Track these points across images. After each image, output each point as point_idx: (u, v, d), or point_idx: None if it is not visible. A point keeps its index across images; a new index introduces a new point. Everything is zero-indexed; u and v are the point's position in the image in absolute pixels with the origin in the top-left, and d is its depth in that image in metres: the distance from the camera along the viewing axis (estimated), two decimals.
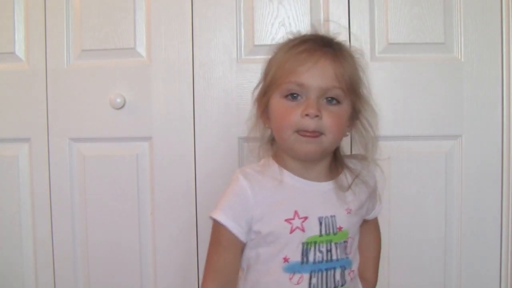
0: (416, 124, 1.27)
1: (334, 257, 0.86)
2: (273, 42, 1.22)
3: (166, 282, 1.33)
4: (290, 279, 0.85)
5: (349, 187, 0.89)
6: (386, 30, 1.27)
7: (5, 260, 1.37)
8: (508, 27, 1.23)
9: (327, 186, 0.89)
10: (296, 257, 0.85)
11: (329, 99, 0.84)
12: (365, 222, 1.01)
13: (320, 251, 0.86)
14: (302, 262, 0.85)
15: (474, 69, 1.25)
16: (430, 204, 1.28)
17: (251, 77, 1.23)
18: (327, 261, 0.86)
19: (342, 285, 0.87)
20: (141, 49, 1.31)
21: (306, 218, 0.85)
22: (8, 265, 1.37)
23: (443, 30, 1.26)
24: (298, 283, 0.85)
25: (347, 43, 0.92)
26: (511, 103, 1.24)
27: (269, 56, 0.91)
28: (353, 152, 0.99)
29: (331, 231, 0.86)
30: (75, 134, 1.33)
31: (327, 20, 1.25)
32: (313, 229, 0.85)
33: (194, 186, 1.30)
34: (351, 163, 0.93)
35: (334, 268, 0.87)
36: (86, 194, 1.33)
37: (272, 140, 0.92)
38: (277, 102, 0.86)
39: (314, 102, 0.82)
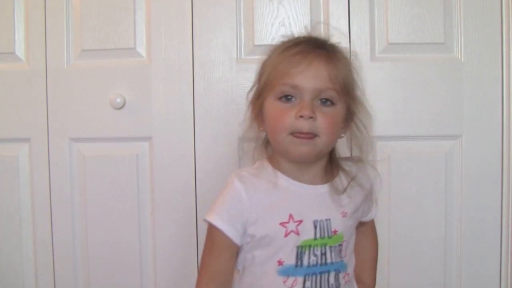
0: (416, 124, 1.27)
1: (328, 261, 0.86)
2: (273, 42, 1.22)
3: (166, 282, 1.33)
4: (284, 282, 0.85)
5: (345, 190, 0.89)
6: (386, 30, 1.27)
7: (5, 260, 1.37)
8: (508, 27, 1.23)
9: (322, 189, 0.89)
10: (290, 260, 0.85)
11: (323, 100, 0.84)
12: (361, 224, 1.01)
13: (315, 255, 0.85)
14: (296, 266, 0.85)
15: (474, 69, 1.25)
16: (430, 204, 1.28)
17: (251, 77, 1.21)
18: (321, 264, 0.86)
19: None
20: (141, 49, 1.31)
21: (301, 221, 0.85)
22: (8, 265, 1.37)
23: (443, 30, 1.26)
24: (292, 286, 0.85)
25: (341, 45, 0.92)
26: (511, 103, 1.24)
27: (263, 59, 0.91)
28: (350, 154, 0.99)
29: (326, 234, 0.86)
30: (75, 134, 1.33)
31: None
32: (308, 233, 0.85)
33: (194, 186, 1.30)
34: (346, 165, 0.93)
35: (328, 272, 0.87)
36: (86, 194, 1.33)
37: (266, 143, 0.92)
38: (271, 104, 0.86)
39: (308, 104, 0.82)
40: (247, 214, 0.85)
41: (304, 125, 0.82)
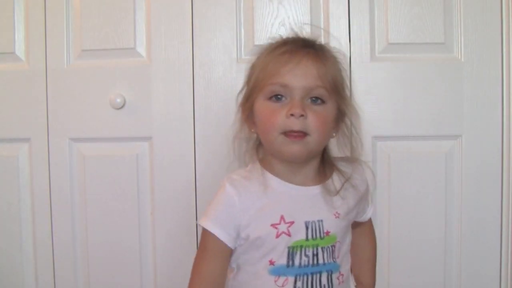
0: (416, 124, 1.27)
1: (320, 261, 0.86)
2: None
3: (166, 282, 1.33)
4: (275, 281, 0.85)
5: (338, 192, 0.88)
6: (386, 30, 1.27)
7: (5, 260, 1.37)
8: (508, 27, 1.24)
9: (315, 190, 0.88)
10: (281, 260, 0.85)
11: (314, 99, 0.84)
12: (358, 224, 1.01)
13: (306, 255, 0.85)
14: (288, 266, 0.85)
15: (474, 69, 1.25)
16: (430, 204, 1.28)
17: None
18: (313, 265, 0.86)
19: None
20: (141, 49, 1.31)
21: (292, 222, 0.85)
22: (8, 265, 1.37)
23: (443, 30, 1.26)
24: (283, 286, 0.85)
25: (329, 45, 0.93)
26: (511, 103, 1.24)
27: (252, 61, 0.91)
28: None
29: (318, 235, 0.86)
30: (75, 134, 1.33)
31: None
32: (299, 234, 0.85)
33: (194, 186, 1.30)
34: (341, 165, 0.93)
35: (320, 272, 0.86)
36: (86, 194, 1.33)
37: (258, 145, 0.92)
38: (261, 105, 0.85)
39: (299, 102, 0.82)
40: (240, 217, 0.85)
41: (295, 124, 0.81)
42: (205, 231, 0.87)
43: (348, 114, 0.89)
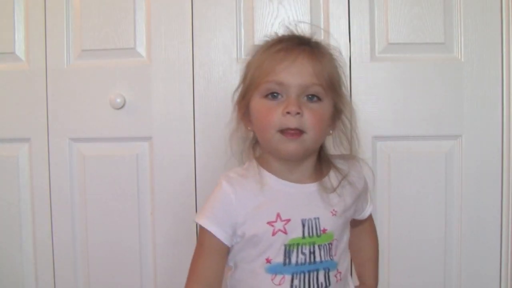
0: (416, 124, 1.27)
1: (317, 259, 0.86)
2: None
3: (166, 282, 1.33)
4: (272, 279, 0.85)
5: (335, 189, 0.88)
6: (386, 30, 1.27)
7: (5, 260, 1.37)
8: (508, 27, 1.24)
9: (311, 187, 0.88)
10: (278, 258, 0.85)
11: (310, 96, 0.83)
12: (359, 223, 1.01)
13: (303, 253, 0.85)
14: (285, 264, 0.85)
15: (474, 69, 1.25)
16: (430, 204, 1.28)
17: None
18: (310, 263, 0.85)
19: (326, 287, 0.87)
20: (141, 49, 1.31)
21: (288, 220, 0.85)
22: (8, 265, 1.37)
23: (443, 30, 1.26)
24: (279, 284, 0.85)
25: (326, 42, 0.92)
26: (511, 103, 1.24)
27: (247, 59, 0.91)
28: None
29: (314, 233, 0.86)
30: (75, 134, 1.33)
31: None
32: (295, 231, 0.85)
33: (194, 186, 1.30)
34: (338, 163, 0.92)
35: (317, 270, 0.86)
36: (86, 194, 1.33)
37: (254, 144, 0.92)
38: (257, 103, 0.85)
39: (295, 100, 0.82)
40: (236, 215, 0.85)
41: (292, 121, 0.81)
42: (201, 228, 0.87)
43: (344, 112, 0.89)
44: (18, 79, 1.33)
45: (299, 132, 0.82)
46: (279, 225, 0.84)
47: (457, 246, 1.28)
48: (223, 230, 0.86)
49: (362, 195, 0.95)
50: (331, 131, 0.90)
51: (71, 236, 1.34)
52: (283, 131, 0.82)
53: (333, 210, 0.87)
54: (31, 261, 1.36)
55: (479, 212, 1.27)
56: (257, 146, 0.92)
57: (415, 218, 1.28)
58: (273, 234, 0.84)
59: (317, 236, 0.86)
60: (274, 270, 0.85)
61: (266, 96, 0.84)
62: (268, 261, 0.85)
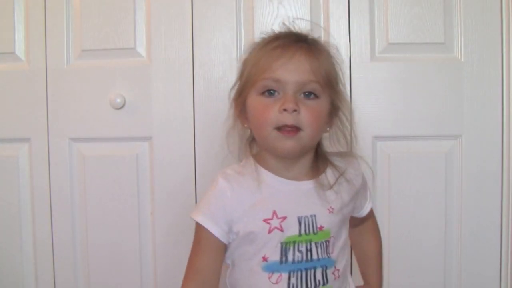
0: (416, 124, 1.27)
1: (314, 257, 0.85)
2: None
3: (166, 282, 1.33)
4: (269, 278, 0.85)
5: (332, 186, 0.88)
6: (386, 30, 1.27)
7: (5, 260, 1.37)
8: (508, 27, 1.24)
9: (308, 185, 0.88)
10: (275, 256, 0.84)
11: (307, 93, 0.83)
12: (360, 222, 1.01)
13: (300, 251, 0.85)
14: (281, 262, 0.84)
15: (474, 69, 1.25)
16: (430, 204, 1.28)
17: None
18: (307, 260, 0.85)
19: (324, 285, 0.86)
20: (141, 49, 1.31)
21: (284, 218, 0.84)
22: (8, 265, 1.37)
23: (443, 30, 1.26)
24: (276, 283, 0.85)
25: (322, 39, 0.92)
26: (511, 103, 1.25)
27: (244, 56, 0.90)
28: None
29: (311, 230, 0.85)
30: (75, 134, 1.33)
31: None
32: (292, 229, 0.84)
33: (194, 186, 1.30)
34: (335, 160, 0.92)
35: (315, 268, 0.85)
36: (86, 194, 1.33)
37: (251, 141, 0.92)
38: (254, 100, 0.85)
39: (291, 97, 0.81)
40: (232, 212, 0.85)
41: (288, 118, 0.81)
42: (198, 225, 0.87)
43: (342, 109, 0.89)
44: (18, 79, 1.33)
45: (296, 129, 0.81)
46: (275, 222, 0.84)
47: (457, 246, 1.28)
48: (219, 226, 0.85)
49: (360, 192, 0.95)
50: (328, 129, 0.89)
51: (71, 236, 1.34)
52: (279, 129, 0.82)
53: (330, 207, 0.87)
54: (31, 261, 1.36)
55: (479, 212, 1.27)
56: (254, 143, 0.92)
57: (415, 218, 1.28)
58: (269, 231, 0.84)
59: (314, 233, 0.85)
60: (270, 268, 0.85)
61: (262, 93, 0.84)
62: (264, 259, 0.85)
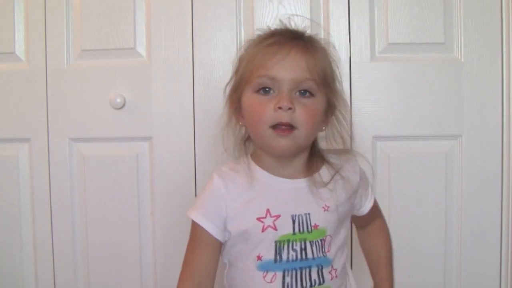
0: (416, 124, 1.27)
1: (309, 256, 0.84)
2: None
3: (166, 282, 1.33)
4: (264, 277, 0.84)
5: (326, 184, 0.87)
6: (386, 30, 1.27)
7: (5, 260, 1.37)
8: (508, 27, 1.24)
9: (302, 183, 0.87)
10: (269, 255, 0.84)
11: (302, 91, 0.82)
12: (367, 222, 1.00)
13: (294, 250, 0.84)
14: (276, 261, 0.84)
15: (474, 69, 1.25)
16: (430, 204, 1.28)
17: None
18: (301, 259, 0.84)
19: (319, 284, 0.85)
20: (141, 49, 1.31)
21: (278, 216, 0.84)
22: (8, 265, 1.37)
23: (443, 30, 1.26)
24: (271, 282, 0.84)
25: (319, 36, 0.91)
26: (511, 103, 1.25)
27: (240, 53, 0.90)
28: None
29: (305, 229, 0.84)
30: (75, 134, 1.33)
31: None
32: (286, 228, 0.84)
33: (194, 186, 1.30)
34: (331, 157, 0.91)
35: (310, 267, 0.85)
36: (86, 194, 1.33)
37: (246, 140, 0.92)
38: (249, 98, 0.84)
39: (287, 95, 0.80)
40: (226, 210, 0.85)
41: (284, 116, 0.80)
42: (193, 223, 0.87)
43: (338, 107, 0.88)
44: (18, 79, 1.33)
45: (291, 128, 0.81)
46: (268, 221, 0.83)
47: (457, 246, 1.28)
48: (214, 224, 0.85)
49: (359, 190, 0.93)
50: (324, 127, 0.89)
51: (71, 236, 1.34)
52: (274, 127, 0.81)
53: (325, 205, 0.86)
54: (31, 261, 1.36)
55: (479, 212, 1.27)
56: (249, 140, 0.91)
57: (415, 218, 1.28)
58: (263, 230, 0.83)
59: (308, 232, 0.85)
60: (265, 267, 0.84)
61: (258, 91, 0.83)
62: (259, 258, 0.84)
